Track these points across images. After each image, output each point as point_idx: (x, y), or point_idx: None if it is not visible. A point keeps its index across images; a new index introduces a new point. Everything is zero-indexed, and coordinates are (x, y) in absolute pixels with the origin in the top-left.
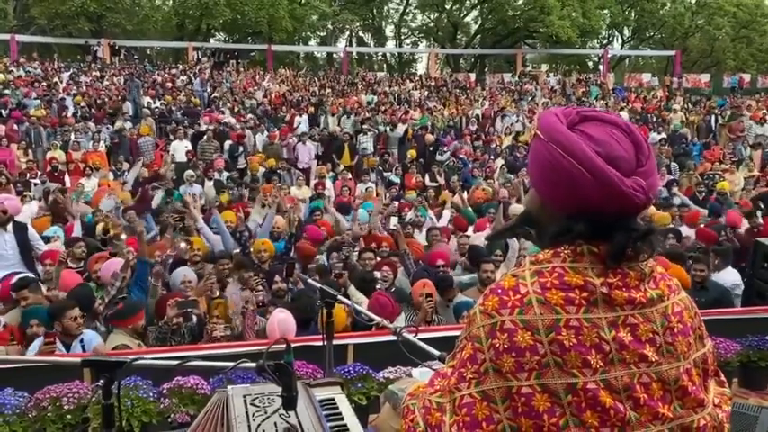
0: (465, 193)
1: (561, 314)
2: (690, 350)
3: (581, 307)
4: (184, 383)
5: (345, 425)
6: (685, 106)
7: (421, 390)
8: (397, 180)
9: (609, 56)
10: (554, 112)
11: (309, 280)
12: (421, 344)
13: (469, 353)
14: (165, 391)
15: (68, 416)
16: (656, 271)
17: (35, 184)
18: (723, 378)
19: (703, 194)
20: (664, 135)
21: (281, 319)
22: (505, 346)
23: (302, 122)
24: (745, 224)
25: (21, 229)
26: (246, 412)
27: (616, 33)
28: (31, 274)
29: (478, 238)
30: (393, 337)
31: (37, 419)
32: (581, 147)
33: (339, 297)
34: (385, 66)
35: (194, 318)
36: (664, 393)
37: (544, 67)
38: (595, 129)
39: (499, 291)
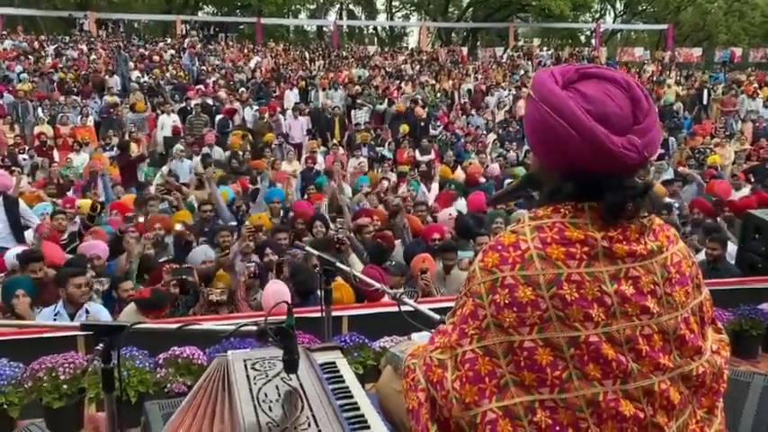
0: (458, 167)
1: (562, 269)
2: (688, 299)
3: (582, 261)
4: (180, 353)
5: (347, 387)
6: (677, 80)
7: (421, 349)
8: (390, 155)
9: (601, 30)
10: (550, 71)
11: (308, 248)
12: (421, 308)
13: (470, 309)
14: (161, 361)
15: (64, 386)
16: (655, 223)
17: (23, 159)
18: (720, 325)
19: (694, 168)
20: (655, 109)
21: (276, 290)
22: (506, 301)
23: (292, 97)
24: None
25: (12, 204)
26: (247, 376)
27: (608, 7)
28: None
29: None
30: (387, 309)
31: (33, 390)
32: (568, 105)
33: (338, 264)
34: (376, 39)
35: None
36: (664, 344)
37: (536, 42)
38: (591, 86)
39: (499, 247)
